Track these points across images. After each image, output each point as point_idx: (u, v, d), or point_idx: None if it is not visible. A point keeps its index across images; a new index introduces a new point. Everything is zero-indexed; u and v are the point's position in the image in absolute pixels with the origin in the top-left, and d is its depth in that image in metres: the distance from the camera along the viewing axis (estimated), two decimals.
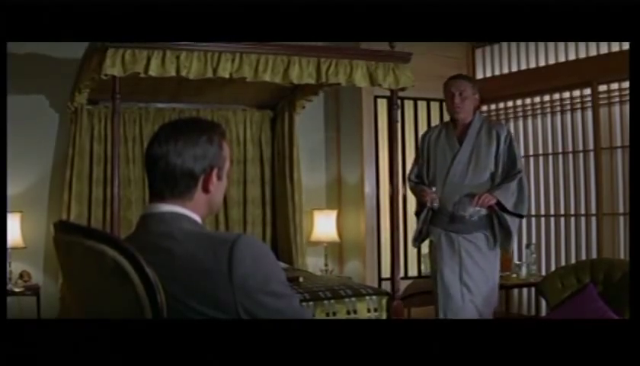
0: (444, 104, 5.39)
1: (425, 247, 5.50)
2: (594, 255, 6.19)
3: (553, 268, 6.42)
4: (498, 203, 4.99)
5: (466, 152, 5.13)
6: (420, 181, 5.33)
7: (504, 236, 5.06)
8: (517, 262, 6.38)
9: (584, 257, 6.26)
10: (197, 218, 2.15)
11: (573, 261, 6.29)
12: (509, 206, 4.99)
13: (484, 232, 5.06)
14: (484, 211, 5.03)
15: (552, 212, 6.62)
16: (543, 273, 6.44)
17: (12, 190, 5.87)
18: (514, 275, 6.28)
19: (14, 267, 5.88)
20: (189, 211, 2.14)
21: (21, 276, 5.95)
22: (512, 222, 5.05)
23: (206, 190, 2.15)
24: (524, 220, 6.70)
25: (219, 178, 2.18)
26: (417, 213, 5.32)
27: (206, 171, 2.14)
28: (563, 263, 6.37)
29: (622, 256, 5.96)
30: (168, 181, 2.11)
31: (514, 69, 6.93)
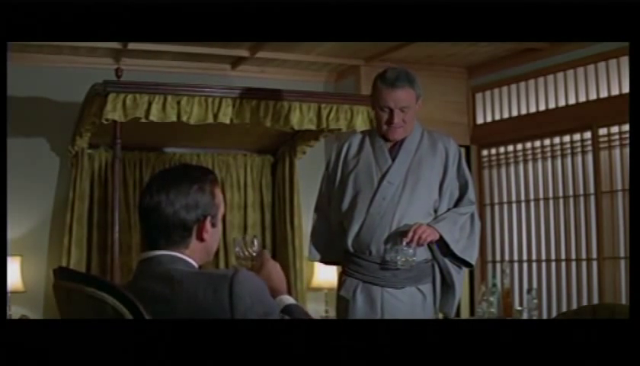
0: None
1: None
2: (596, 300, 6.14)
3: (554, 313, 6.38)
4: (440, 243, 3.65)
5: (401, 171, 3.70)
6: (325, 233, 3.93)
7: (444, 294, 3.72)
8: (518, 308, 6.34)
9: (585, 302, 6.21)
10: (194, 263, 2.16)
11: (574, 306, 6.24)
12: (457, 248, 3.64)
13: (418, 286, 3.64)
14: (424, 255, 3.65)
15: (553, 256, 6.58)
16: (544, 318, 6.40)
17: (12, 233, 5.83)
18: None
19: (14, 311, 5.84)
20: (186, 257, 2.15)
21: None
22: (457, 273, 3.72)
23: (200, 238, 2.17)
24: (525, 264, 6.69)
25: (214, 225, 2.20)
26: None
27: (199, 220, 2.15)
28: (564, 308, 6.32)
29: (623, 301, 5.91)
30: (161, 231, 2.12)
31: (514, 113, 6.93)
